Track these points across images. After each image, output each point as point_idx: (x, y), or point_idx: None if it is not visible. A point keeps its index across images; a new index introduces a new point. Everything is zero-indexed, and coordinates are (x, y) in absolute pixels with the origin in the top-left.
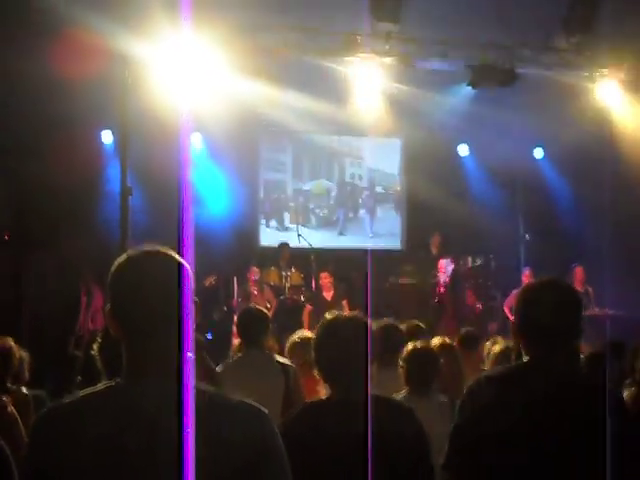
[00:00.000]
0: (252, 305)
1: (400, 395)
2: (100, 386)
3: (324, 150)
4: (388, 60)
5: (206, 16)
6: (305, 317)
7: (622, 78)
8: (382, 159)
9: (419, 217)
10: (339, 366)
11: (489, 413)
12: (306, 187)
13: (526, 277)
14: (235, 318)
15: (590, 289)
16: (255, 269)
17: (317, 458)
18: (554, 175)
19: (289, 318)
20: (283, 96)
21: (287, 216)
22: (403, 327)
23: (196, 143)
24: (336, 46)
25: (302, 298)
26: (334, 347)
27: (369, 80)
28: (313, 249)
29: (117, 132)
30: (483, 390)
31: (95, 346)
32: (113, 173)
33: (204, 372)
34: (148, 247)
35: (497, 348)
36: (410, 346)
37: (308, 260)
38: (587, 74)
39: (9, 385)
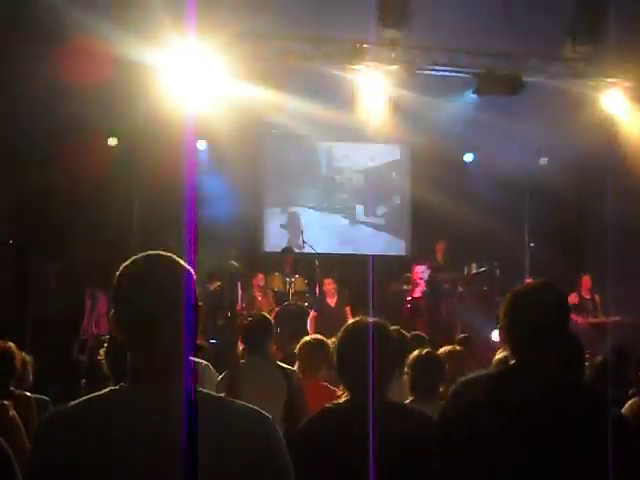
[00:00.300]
0: (256, 311)
1: (406, 402)
2: (104, 390)
3: (329, 156)
4: (394, 67)
5: (212, 23)
6: (311, 323)
7: (628, 87)
8: (387, 166)
9: (424, 224)
10: (361, 371)
11: (473, 415)
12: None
13: None
14: (239, 324)
15: (597, 297)
16: (260, 275)
17: (335, 460)
18: (559, 183)
19: (293, 324)
20: (288, 103)
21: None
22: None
23: (201, 148)
24: (342, 53)
25: (306, 304)
26: (357, 351)
27: (375, 87)
28: (317, 255)
29: (124, 137)
30: (467, 393)
31: (102, 351)
32: (120, 178)
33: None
34: (153, 252)
35: (498, 355)
36: (415, 353)
37: (312, 266)
38: (593, 83)
39: (12, 389)
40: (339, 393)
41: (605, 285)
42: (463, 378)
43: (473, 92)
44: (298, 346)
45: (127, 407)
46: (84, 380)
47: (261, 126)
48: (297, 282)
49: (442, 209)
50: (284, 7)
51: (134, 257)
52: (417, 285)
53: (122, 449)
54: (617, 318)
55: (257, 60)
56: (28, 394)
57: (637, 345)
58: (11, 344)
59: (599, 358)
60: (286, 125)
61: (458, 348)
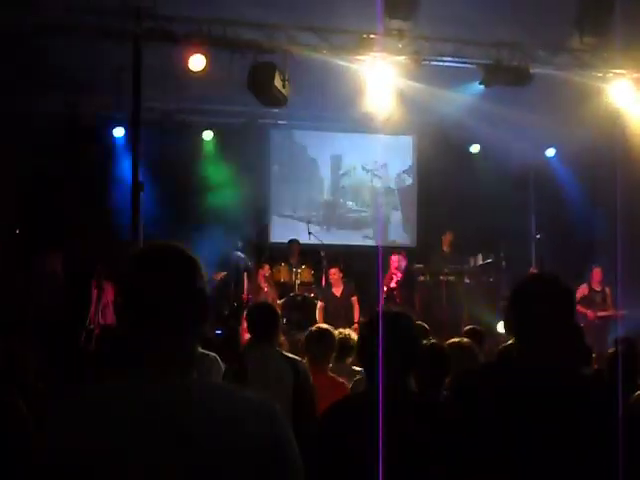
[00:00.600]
0: (262, 301)
1: None
2: (112, 381)
3: (336, 147)
4: (401, 58)
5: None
6: (319, 313)
7: (635, 78)
8: (394, 157)
9: (431, 215)
10: (386, 360)
11: (476, 407)
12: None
13: None
14: (245, 313)
15: (607, 289)
16: (266, 265)
17: (354, 451)
18: (566, 174)
19: (300, 314)
20: (294, 93)
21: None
22: None
23: (207, 138)
24: (349, 44)
25: (312, 295)
26: (386, 341)
27: (382, 78)
28: (323, 245)
29: (128, 127)
30: (470, 385)
31: (109, 341)
32: (125, 168)
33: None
34: (160, 242)
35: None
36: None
37: (318, 256)
38: (600, 74)
39: (19, 378)
40: (345, 384)
41: (614, 277)
42: (465, 370)
43: (480, 83)
44: (305, 336)
45: (135, 397)
46: (90, 370)
47: (267, 117)
48: (303, 273)
49: (449, 200)
50: None
51: (141, 247)
52: (393, 275)
53: (131, 439)
54: (626, 311)
55: (264, 51)
56: (38, 384)
57: None
58: (16, 336)
59: (609, 350)
60: (292, 115)
61: (465, 340)
